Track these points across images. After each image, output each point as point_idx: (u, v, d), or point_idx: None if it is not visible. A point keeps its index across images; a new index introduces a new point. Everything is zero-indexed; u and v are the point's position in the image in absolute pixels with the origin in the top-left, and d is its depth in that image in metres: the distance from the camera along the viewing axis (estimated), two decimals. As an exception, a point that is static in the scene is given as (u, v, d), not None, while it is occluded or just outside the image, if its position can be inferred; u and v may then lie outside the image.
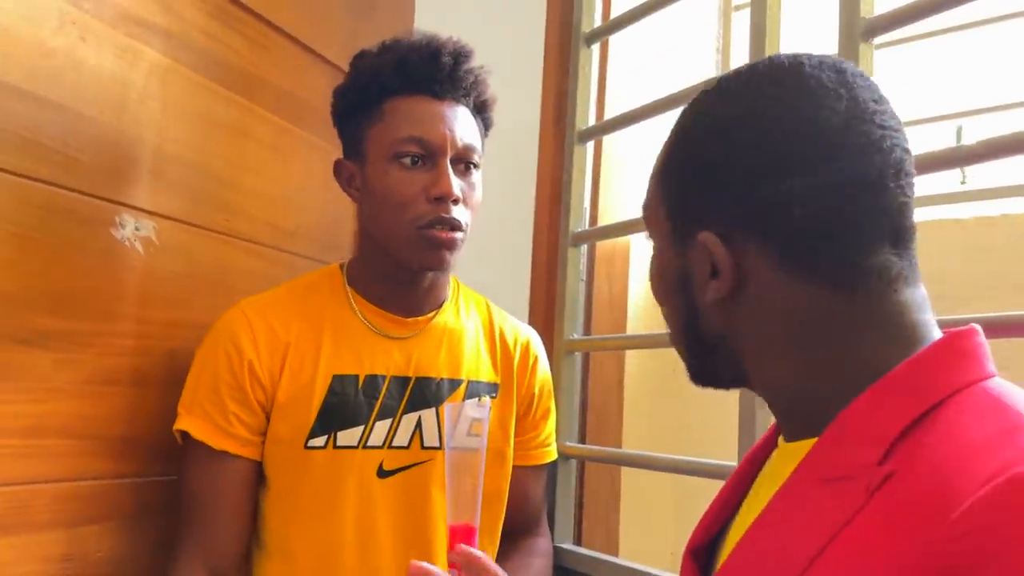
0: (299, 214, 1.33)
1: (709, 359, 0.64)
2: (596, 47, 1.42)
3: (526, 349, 1.15)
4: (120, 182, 1.04)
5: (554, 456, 1.19)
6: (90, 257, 1.00)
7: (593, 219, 1.43)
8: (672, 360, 0.68)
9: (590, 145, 1.41)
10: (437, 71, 1.01)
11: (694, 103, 0.64)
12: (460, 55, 1.03)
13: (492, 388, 1.11)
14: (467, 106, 1.04)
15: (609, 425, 1.42)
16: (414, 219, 0.99)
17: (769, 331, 0.58)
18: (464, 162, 1.02)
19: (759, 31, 1.03)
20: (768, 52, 1.03)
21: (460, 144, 1.01)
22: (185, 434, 1.00)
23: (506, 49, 1.60)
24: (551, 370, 1.29)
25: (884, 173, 0.55)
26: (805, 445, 0.57)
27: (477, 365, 1.10)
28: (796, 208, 0.55)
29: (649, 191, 0.66)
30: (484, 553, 0.84)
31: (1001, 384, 0.53)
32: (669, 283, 0.63)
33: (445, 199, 0.98)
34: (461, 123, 1.02)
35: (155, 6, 1.08)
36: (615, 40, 1.46)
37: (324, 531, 1.00)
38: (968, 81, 1.67)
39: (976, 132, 1.48)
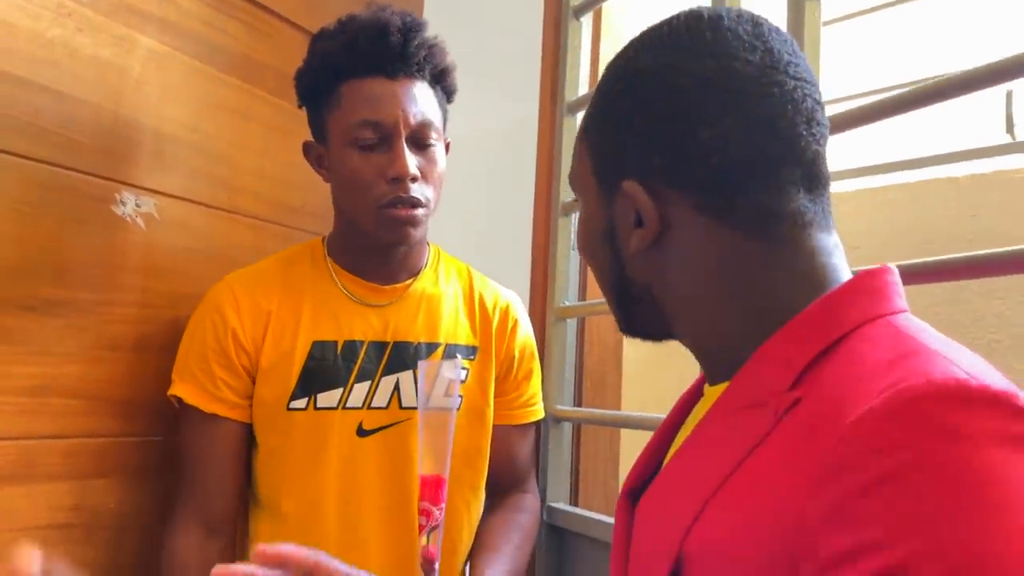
0: (303, 192, 1.38)
1: (636, 310, 0.66)
2: (588, 20, 1.43)
3: (505, 313, 1.18)
4: (119, 162, 1.11)
5: (539, 416, 1.22)
6: (92, 232, 1.07)
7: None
8: None
9: (580, 116, 1.42)
10: (387, 50, 1.02)
11: (617, 56, 0.65)
12: (410, 30, 1.03)
13: (471, 351, 1.14)
14: (423, 79, 1.06)
15: (607, 389, 1.44)
16: (375, 199, 1.02)
17: (691, 278, 0.60)
18: (421, 138, 1.04)
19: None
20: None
21: (414, 122, 1.03)
22: (179, 399, 1.07)
23: (507, 24, 1.63)
24: (543, 336, 1.32)
25: (796, 122, 0.56)
26: (724, 386, 0.60)
27: (455, 329, 1.13)
28: (712, 156, 0.56)
29: (575, 150, 0.67)
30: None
31: (907, 318, 0.55)
32: (596, 237, 0.65)
33: (402, 179, 1.01)
34: (415, 100, 1.03)
35: (150, -3, 1.15)
36: (607, 12, 1.47)
37: (309, 488, 1.05)
38: (916, 52, 1.62)
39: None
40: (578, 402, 1.39)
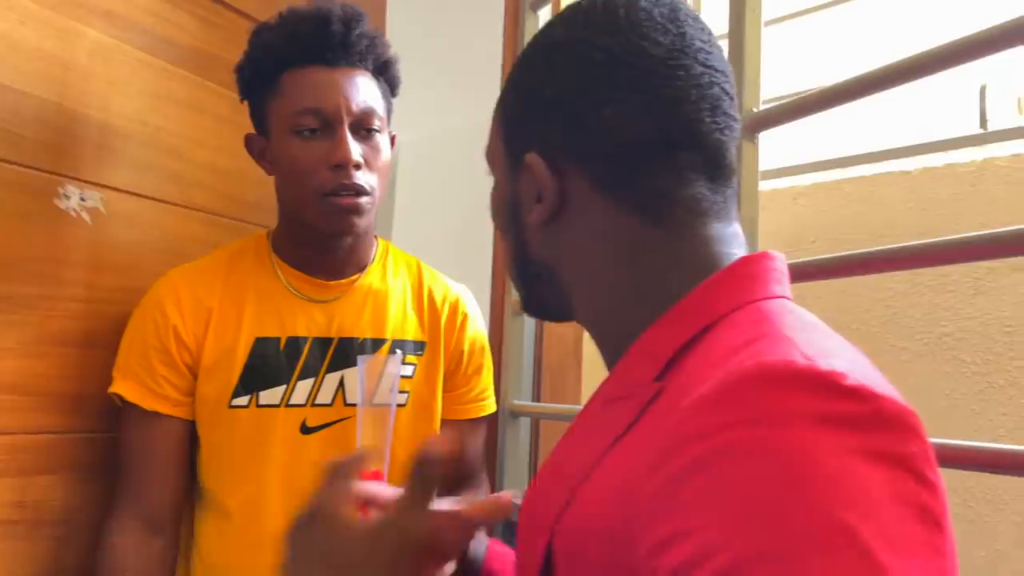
0: (259, 186, 1.36)
1: (537, 288, 0.65)
2: (546, 12, 1.42)
3: (454, 307, 1.16)
4: (64, 156, 1.09)
5: (490, 410, 1.21)
6: (35, 226, 1.05)
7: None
8: None
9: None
10: (328, 39, 1.01)
11: (537, 32, 0.64)
12: (351, 21, 1.02)
13: (419, 346, 1.13)
14: (366, 70, 1.04)
15: (566, 383, 1.44)
16: (317, 187, 1.00)
17: (587, 257, 0.59)
18: (364, 126, 1.03)
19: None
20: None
21: (357, 110, 1.01)
22: (120, 396, 1.05)
23: (470, 20, 1.62)
24: (500, 331, 1.31)
25: (700, 107, 0.56)
26: None
27: (403, 324, 1.12)
28: (614, 132, 0.56)
29: (491, 124, 0.66)
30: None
31: (780, 303, 0.53)
32: (504, 210, 0.64)
33: (345, 166, 0.99)
34: (357, 89, 1.02)
35: (96, -11, 1.13)
36: (565, 4, 1.46)
37: (252, 485, 1.04)
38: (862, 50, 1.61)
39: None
40: (537, 397, 1.39)
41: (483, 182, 1.61)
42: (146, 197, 1.19)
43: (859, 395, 0.41)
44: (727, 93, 0.58)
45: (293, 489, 1.05)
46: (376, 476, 0.92)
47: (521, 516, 0.60)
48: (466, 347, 1.16)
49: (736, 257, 0.57)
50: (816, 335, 0.48)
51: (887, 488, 0.39)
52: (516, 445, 1.33)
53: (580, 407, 1.42)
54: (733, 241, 0.58)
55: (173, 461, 1.06)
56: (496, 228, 0.68)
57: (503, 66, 1.51)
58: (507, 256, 0.67)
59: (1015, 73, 1.85)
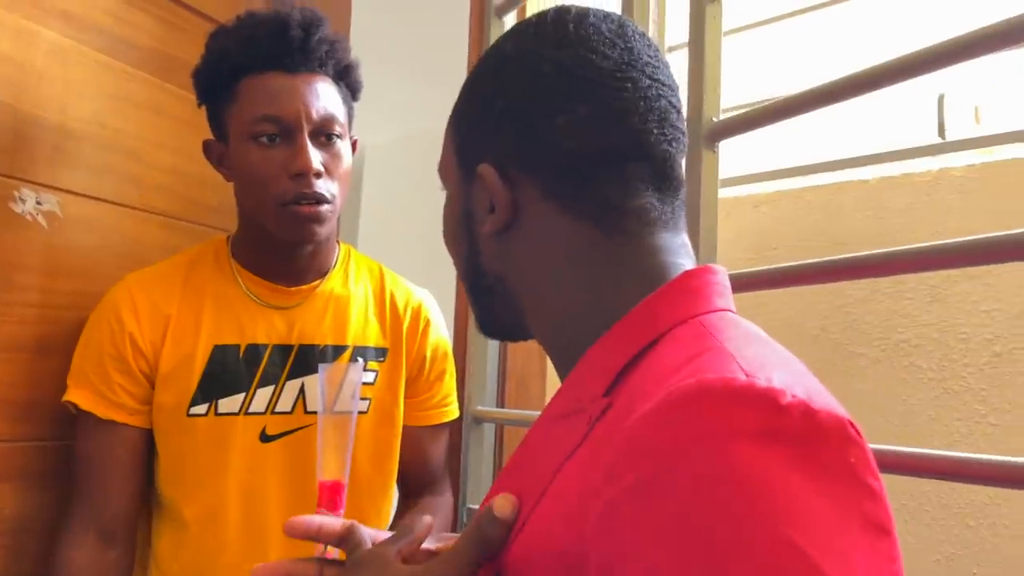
0: (221, 190, 1.34)
1: (490, 304, 0.64)
2: (511, 19, 1.42)
3: (417, 312, 1.15)
4: (19, 159, 1.06)
5: (452, 416, 1.20)
6: (-11, 230, 1.04)
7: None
8: None
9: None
10: (287, 45, 0.99)
11: (488, 47, 0.65)
12: (310, 26, 1.00)
13: (380, 353, 1.11)
14: (326, 75, 1.03)
15: (530, 389, 1.43)
16: (277, 196, 0.98)
17: (539, 268, 0.59)
18: (324, 133, 1.01)
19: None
20: (637, 10, 1.04)
21: (316, 117, 0.99)
22: (75, 405, 1.02)
23: (435, 24, 1.62)
24: (463, 337, 1.30)
25: (647, 119, 0.56)
26: None
27: (364, 330, 1.11)
28: (564, 142, 0.56)
29: (445, 137, 0.66)
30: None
31: (722, 317, 0.53)
32: (456, 223, 0.64)
33: (305, 174, 0.97)
34: (317, 95, 1.00)
35: (52, -11, 1.11)
36: (531, 11, 1.47)
37: (210, 495, 1.02)
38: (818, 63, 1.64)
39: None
40: (501, 403, 1.39)
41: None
42: (104, 200, 1.17)
43: (797, 410, 0.41)
44: (674, 106, 0.59)
45: (252, 498, 1.03)
46: (336, 486, 0.91)
47: None
48: (428, 353, 1.15)
49: (684, 268, 0.57)
50: (756, 347, 0.48)
51: (829, 501, 0.39)
52: (480, 451, 1.33)
53: (533, 412, 1.43)
54: (681, 251, 0.58)
55: (129, 470, 1.03)
56: (447, 245, 0.67)
57: (468, 72, 1.51)
58: (461, 274, 0.66)
59: (973, 83, 1.89)
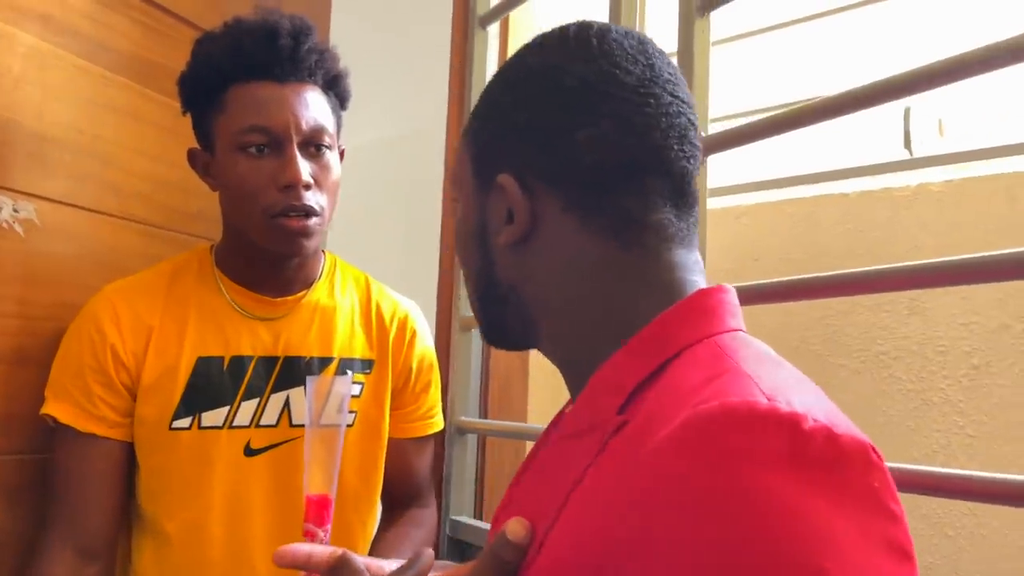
0: (195, 196, 1.31)
1: (502, 314, 0.64)
2: (494, 30, 1.42)
3: (403, 323, 1.13)
4: (-4, 166, 1.05)
5: (437, 428, 1.18)
6: (-36, 240, 1.01)
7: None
8: None
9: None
10: (276, 54, 0.97)
11: (508, 58, 0.64)
12: (300, 34, 0.98)
13: (367, 365, 1.10)
14: (315, 84, 1.01)
15: (512, 400, 1.43)
16: (266, 208, 0.96)
17: (556, 279, 0.59)
18: (313, 144, 0.99)
19: (616, 4, 1.03)
20: (624, 22, 1.04)
21: (306, 127, 0.97)
22: (53, 418, 0.99)
23: (418, 36, 1.61)
24: (447, 347, 1.30)
25: (668, 135, 0.57)
26: None
27: (351, 342, 1.09)
28: (586, 155, 0.56)
29: (458, 149, 0.66)
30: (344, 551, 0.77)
31: (735, 337, 0.53)
32: (470, 233, 0.63)
33: (294, 186, 0.95)
34: (307, 105, 0.98)
35: (31, -8, 1.09)
36: (513, 21, 1.46)
37: (193, 509, 1.00)
38: (804, 73, 1.67)
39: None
40: (484, 413, 1.38)
41: (428, 193, 1.59)
42: (82, 208, 1.14)
43: (820, 435, 0.41)
44: (692, 123, 0.59)
45: (236, 513, 1.01)
46: (324, 501, 0.90)
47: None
48: (414, 364, 1.14)
49: (697, 285, 0.57)
50: (772, 369, 0.49)
51: (855, 527, 0.40)
52: (463, 462, 1.32)
53: (526, 425, 1.42)
54: (695, 268, 0.58)
55: (109, 485, 1.00)
56: (461, 258, 0.67)
57: (450, 78, 1.50)
58: (471, 285, 0.66)
59: (937, 95, 1.92)
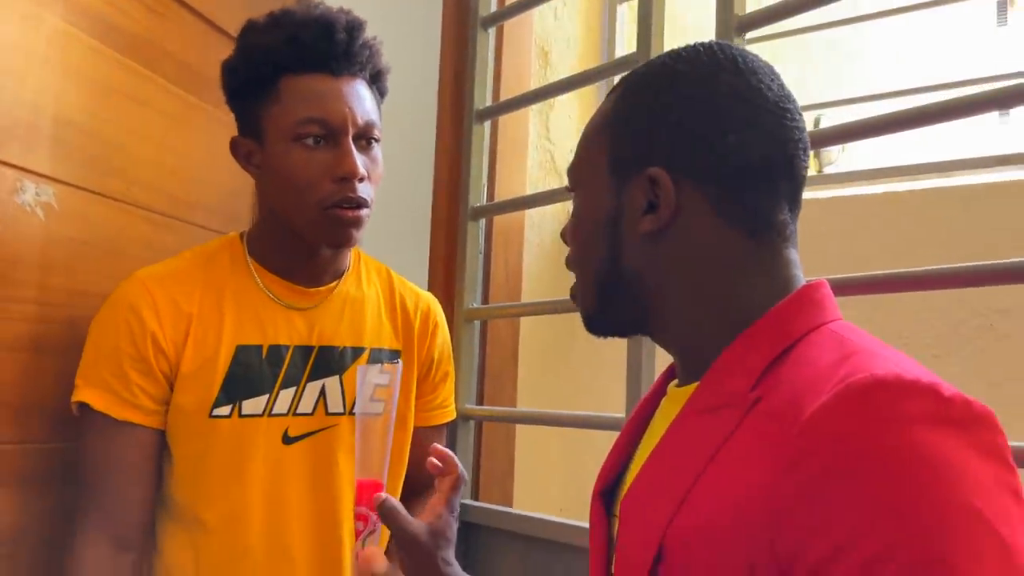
0: (199, 185, 1.30)
1: (619, 300, 0.68)
2: (492, 31, 1.46)
3: (426, 315, 1.15)
4: (21, 147, 0.99)
5: (452, 417, 1.20)
6: (-9, 221, 0.97)
7: (491, 195, 1.47)
8: (565, 326, 0.71)
9: (488, 124, 1.45)
10: (333, 48, 0.98)
11: (649, 64, 0.69)
12: (354, 29, 0.99)
13: (394, 355, 1.11)
14: (364, 79, 1.02)
15: (505, 388, 1.47)
16: (320, 200, 0.96)
17: (690, 267, 0.64)
18: (365, 137, 1.00)
19: (646, 23, 1.09)
20: (654, 42, 1.10)
21: (361, 121, 0.98)
22: (84, 405, 0.97)
23: (405, 31, 1.62)
24: (452, 337, 1.33)
25: (798, 147, 0.64)
26: (693, 388, 0.64)
27: (379, 333, 1.10)
28: (732, 156, 0.62)
29: (584, 145, 0.70)
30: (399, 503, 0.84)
31: (843, 325, 0.61)
32: (599, 224, 0.67)
33: (350, 179, 0.96)
34: (360, 99, 0.99)
35: (54, -27, 1.05)
36: (509, 25, 1.50)
37: (232, 497, 0.99)
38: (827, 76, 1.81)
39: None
40: (480, 400, 1.42)
41: (420, 191, 1.60)
42: (92, 192, 1.11)
43: (959, 400, 0.50)
44: (808, 140, 0.66)
45: (275, 500, 1.01)
46: (375, 485, 0.92)
47: (624, 521, 0.64)
48: (436, 355, 1.16)
49: (801, 280, 0.64)
50: (886, 350, 0.56)
51: (992, 477, 0.48)
52: (466, 446, 1.36)
53: (524, 409, 1.48)
54: (798, 264, 0.65)
55: (145, 473, 0.99)
56: (579, 246, 0.70)
57: (441, 75, 1.52)
58: (589, 270, 0.69)
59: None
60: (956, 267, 0.88)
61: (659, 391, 0.74)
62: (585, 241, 0.69)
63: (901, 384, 0.50)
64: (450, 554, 0.82)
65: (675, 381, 0.70)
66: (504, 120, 1.49)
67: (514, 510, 1.33)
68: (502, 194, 1.47)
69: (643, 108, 0.66)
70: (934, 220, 1.35)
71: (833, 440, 0.49)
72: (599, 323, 0.71)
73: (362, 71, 1.02)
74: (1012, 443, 0.52)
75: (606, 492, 0.73)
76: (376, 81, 1.05)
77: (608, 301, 0.69)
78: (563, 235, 0.73)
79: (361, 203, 0.99)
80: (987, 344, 1.25)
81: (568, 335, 1.58)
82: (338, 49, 0.98)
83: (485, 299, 1.44)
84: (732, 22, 0.97)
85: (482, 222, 1.43)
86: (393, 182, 1.63)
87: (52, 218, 1.05)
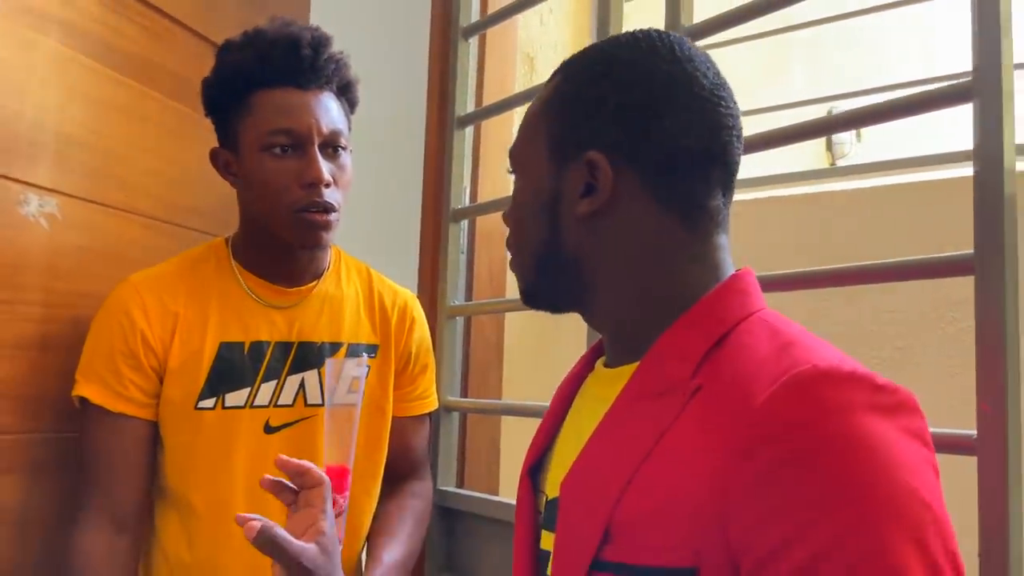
0: (197, 193, 1.38)
1: (557, 279, 0.70)
2: (475, 41, 1.52)
3: (403, 311, 1.21)
4: (24, 162, 1.08)
5: (433, 407, 1.27)
6: (-1, 232, 1.05)
7: (474, 197, 1.53)
8: (550, 321, 0.74)
9: (469, 130, 1.49)
10: (299, 63, 1.05)
11: (588, 50, 0.70)
12: (320, 44, 1.06)
13: (372, 349, 1.18)
14: (331, 91, 1.08)
15: (489, 381, 1.54)
16: (290, 204, 1.04)
17: (624, 251, 0.65)
18: (331, 146, 1.06)
19: (604, 28, 1.15)
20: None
21: (326, 131, 1.05)
22: (84, 399, 1.05)
23: (395, 41, 1.68)
24: (435, 333, 1.40)
25: (732, 135, 0.66)
26: (626, 370, 0.66)
27: (357, 328, 1.17)
28: (668, 141, 0.64)
29: (525, 126, 0.72)
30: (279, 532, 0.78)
31: (771, 314, 0.64)
32: (538, 203, 0.69)
33: (317, 184, 1.03)
34: (326, 110, 1.06)
35: (53, -1, 1.14)
36: (492, 34, 1.57)
37: (218, 483, 1.07)
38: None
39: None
40: (464, 393, 1.49)
41: (410, 193, 1.67)
42: (95, 203, 1.20)
43: (889, 389, 0.54)
44: (742, 128, 0.68)
45: (257, 486, 1.09)
46: (342, 471, 0.98)
47: (566, 502, 0.65)
48: (413, 348, 1.22)
49: (731, 265, 0.67)
50: (816, 340, 0.60)
51: (920, 456, 0.53)
52: (449, 437, 1.42)
53: (506, 401, 1.54)
54: (729, 251, 0.68)
55: (138, 461, 1.07)
56: (518, 227, 0.72)
57: (428, 82, 1.59)
58: (527, 252, 0.71)
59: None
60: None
61: (583, 370, 0.76)
62: (525, 223, 0.71)
63: (841, 375, 0.53)
64: (338, 558, 0.80)
65: (602, 359, 0.73)
66: (488, 124, 1.55)
67: (498, 498, 1.39)
68: (485, 196, 1.53)
69: (581, 93, 0.67)
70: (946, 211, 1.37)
71: (784, 428, 0.52)
72: (535, 296, 0.73)
73: (328, 83, 1.08)
74: None
75: (533, 470, 0.76)
76: (345, 93, 1.12)
77: (546, 280, 0.71)
78: (504, 217, 0.74)
79: (328, 207, 1.05)
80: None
81: (553, 330, 1.64)
82: (304, 64, 1.05)
83: (469, 296, 1.50)
84: (679, 30, 1.02)
85: (465, 223, 1.49)
86: (385, 185, 1.71)
87: (56, 227, 1.14)
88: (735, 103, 0.67)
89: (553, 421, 0.76)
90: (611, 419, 0.65)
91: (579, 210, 0.66)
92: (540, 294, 0.73)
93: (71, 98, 1.16)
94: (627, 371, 0.66)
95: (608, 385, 0.67)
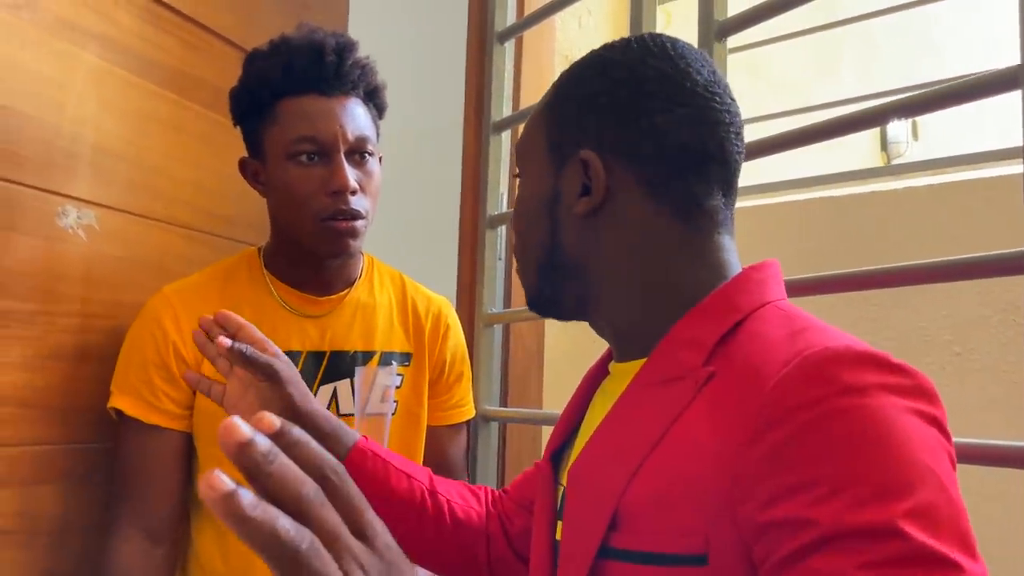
0: (237, 202, 1.39)
1: (560, 283, 0.70)
2: (511, 45, 1.50)
3: (437, 318, 1.20)
4: (62, 175, 1.09)
5: (469, 415, 1.25)
6: (36, 244, 1.06)
7: (511, 203, 1.52)
8: (588, 329, 0.73)
9: (506, 135, 1.48)
10: (323, 70, 1.04)
11: (586, 55, 0.71)
12: (344, 51, 1.05)
13: (405, 357, 1.17)
14: (357, 97, 1.07)
15: (530, 390, 1.51)
16: (316, 212, 1.03)
17: (620, 249, 0.65)
18: (358, 152, 1.05)
19: (636, 27, 1.12)
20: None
21: (352, 137, 1.04)
22: (119, 411, 1.06)
23: (431, 47, 1.68)
24: (473, 342, 1.38)
25: (730, 132, 0.65)
26: (636, 364, 0.66)
27: (390, 336, 1.16)
28: (662, 137, 0.64)
29: (527, 130, 0.72)
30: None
31: (788, 303, 0.63)
32: (539, 205, 0.69)
33: (343, 192, 1.02)
34: (352, 116, 1.05)
35: (91, 14, 1.13)
36: (528, 38, 1.55)
37: None
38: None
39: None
40: (504, 402, 1.47)
41: (449, 199, 1.66)
42: (134, 214, 1.21)
43: (904, 370, 0.53)
44: (741, 126, 0.67)
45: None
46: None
47: (573, 489, 0.65)
48: (448, 357, 1.21)
49: (737, 266, 0.65)
50: (832, 329, 0.58)
51: (936, 441, 0.51)
52: (488, 447, 1.40)
53: (546, 411, 1.51)
54: (734, 252, 0.66)
55: (173, 472, 1.07)
56: (519, 226, 0.72)
57: (467, 87, 1.58)
58: (531, 254, 0.71)
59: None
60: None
61: (602, 368, 0.76)
62: (527, 225, 0.71)
63: (854, 355, 0.52)
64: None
65: (613, 362, 0.72)
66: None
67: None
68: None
69: (580, 91, 0.68)
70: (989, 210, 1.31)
71: (795, 409, 0.51)
72: (539, 303, 0.73)
73: (354, 89, 1.07)
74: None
75: (555, 455, 0.75)
76: (372, 98, 1.11)
77: (549, 282, 0.71)
78: (510, 225, 0.75)
79: (355, 215, 1.04)
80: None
81: (593, 338, 1.61)
82: (328, 70, 1.05)
83: (508, 303, 1.48)
84: (712, 27, 0.99)
85: (502, 229, 1.47)
86: (422, 192, 1.70)
87: (94, 238, 1.15)
88: (732, 100, 0.66)
89: (571, 414, 0.76)
90: (620, 407, 0.64)
91: (577, 209, 0.66)
92: (545, 300, 0.73)
93: (109, 111, 1.17)
94: (638, 364, 0.66)
95: (620, 379, 0.67)
